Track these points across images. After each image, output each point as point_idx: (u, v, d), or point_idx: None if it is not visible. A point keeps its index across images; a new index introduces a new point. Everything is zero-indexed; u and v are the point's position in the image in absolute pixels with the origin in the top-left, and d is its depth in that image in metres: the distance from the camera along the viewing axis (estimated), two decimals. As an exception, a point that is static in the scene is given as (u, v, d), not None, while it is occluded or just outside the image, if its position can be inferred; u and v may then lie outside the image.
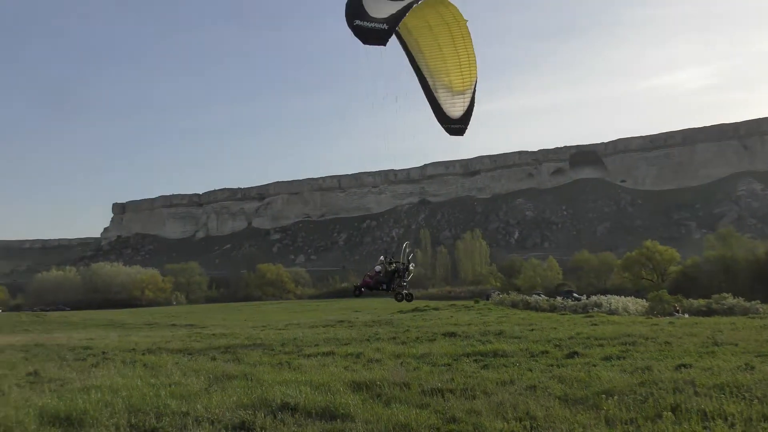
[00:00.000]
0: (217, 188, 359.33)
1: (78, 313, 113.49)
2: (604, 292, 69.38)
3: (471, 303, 66.41)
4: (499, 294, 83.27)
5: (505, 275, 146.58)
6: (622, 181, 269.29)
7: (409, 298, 22.29)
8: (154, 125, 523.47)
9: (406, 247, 21.11)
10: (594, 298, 55.18)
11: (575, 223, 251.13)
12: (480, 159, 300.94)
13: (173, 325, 58.29)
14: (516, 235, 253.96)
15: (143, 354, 20.88)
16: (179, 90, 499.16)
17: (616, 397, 10.77)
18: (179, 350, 22.28)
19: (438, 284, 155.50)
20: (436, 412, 10.26)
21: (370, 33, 9.46)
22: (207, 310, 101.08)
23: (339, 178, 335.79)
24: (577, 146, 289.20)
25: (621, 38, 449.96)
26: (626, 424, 9.39)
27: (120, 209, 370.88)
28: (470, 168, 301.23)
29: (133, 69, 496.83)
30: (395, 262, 20.09)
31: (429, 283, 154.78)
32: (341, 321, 43.32)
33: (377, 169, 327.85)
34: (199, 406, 10.30)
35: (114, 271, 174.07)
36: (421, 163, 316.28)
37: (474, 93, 12.50)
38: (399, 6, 9.89)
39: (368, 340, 25.40)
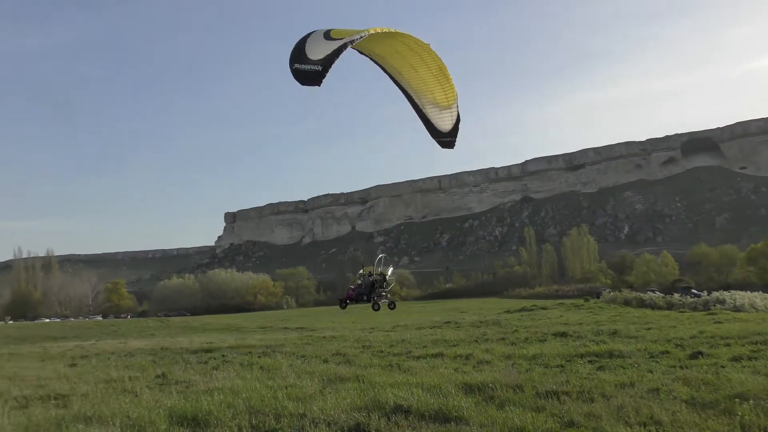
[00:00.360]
0: (321, 194, 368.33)
1: (197, 318, 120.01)
2: (727, 288, 64.89)
3: (580, 302, 64.21)
4: (610, 292, 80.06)
5: (616, 272, 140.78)
6: (742, 167, 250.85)
7: (391, 306, 22.27)
8: (259, 136, 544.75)
9: (380, 259, 21.52)
10: (716, 294, 51.90)
11: (691, 215, 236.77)
12: (584, 152, 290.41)
13: (285, 328, 60.31)
14: (626, 229, 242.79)
15: (259, 357, 21.67)
16: (282, 101, 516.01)
17: (751, 402, 9.99)
18: (292, 353, 22.96)
19: (544, 283, 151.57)
20: (552, 415, 9.94)
21: (306, 75, 9.95)
22: (316, 313, 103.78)
23: (439, 178, 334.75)
24: (689, 133, 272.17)
25: (740, 15, 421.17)
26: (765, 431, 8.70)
27: (231, 218, 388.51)
28: (574, 162, 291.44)
29: (240, 81, 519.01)
30: (373, 275, 20.18)
31: (535, 282, 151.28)
32: (448, 322, 43.16)
33: (477, 168, 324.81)
34: (315, 407, 10.53)
35: (228, 277, 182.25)
36: (522, 160, 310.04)
37: (458, 108, 12.83)
38: (335, 46, 10.22)
39: (476, 341, 25.14)
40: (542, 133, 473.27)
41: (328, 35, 10.46)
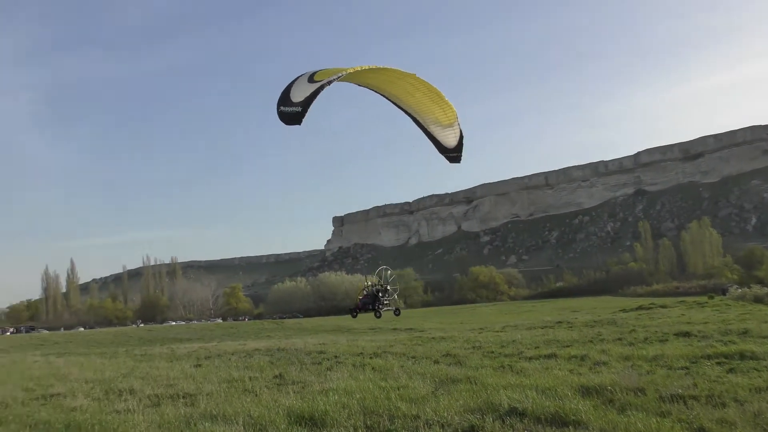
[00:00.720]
0: (425, 195, 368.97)
1: (310, 319, 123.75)
2: None
3: (704, 299, 60.37)
4: (737, 288, 74.73)
5: (744, 267, 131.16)
6: None
7: (396, 312, 23.41)
8: (364, 140, 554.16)
9: (381, 270, 22.61)
10: None
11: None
12: (702, 140, 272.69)
13: (395, 329, 60.93)
14: (753, 221, 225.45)
15: (371, 358, 21.99)
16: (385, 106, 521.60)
17: None
18: (403, 354, 23.12)
19: (662, 280, 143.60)
20: (679, 420, 9.39)
21: (288, 116, 10.81)
22: (424, 314, 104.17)
23: (546, 174, 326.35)
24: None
25: None
26: None
27: (339, 222, 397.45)
28: (691, 151, 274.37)
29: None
30: (376, 285, 21.59)
31: (652, 280, 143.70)
32: (559, 322, 41.89)
33: (586, 162, 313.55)
34: (428, 409, 10.54)
35: (338, 279, 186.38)
36: (634, 151, 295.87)
37: (459, 125, 13.47)
38: (313, 88, 11.01)
39: (591, 341, 24.23)
40: (654, 122, 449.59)
41: (311, 77, 11.32)
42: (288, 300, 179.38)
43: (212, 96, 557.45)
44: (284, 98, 10.95)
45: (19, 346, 64.23)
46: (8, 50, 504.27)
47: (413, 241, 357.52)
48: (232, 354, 27.93)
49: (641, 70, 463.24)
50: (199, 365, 22.62)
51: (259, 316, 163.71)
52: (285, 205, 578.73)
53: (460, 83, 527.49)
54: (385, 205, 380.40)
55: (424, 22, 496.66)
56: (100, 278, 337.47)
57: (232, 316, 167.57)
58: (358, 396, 12.20)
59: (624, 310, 55.18)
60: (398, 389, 13.06)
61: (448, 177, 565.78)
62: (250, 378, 16.94)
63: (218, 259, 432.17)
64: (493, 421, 9.42)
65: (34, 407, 13.32)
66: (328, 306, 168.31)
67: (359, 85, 13.04)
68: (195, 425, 10.26)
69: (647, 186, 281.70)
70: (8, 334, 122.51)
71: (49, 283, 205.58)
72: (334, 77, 11.20)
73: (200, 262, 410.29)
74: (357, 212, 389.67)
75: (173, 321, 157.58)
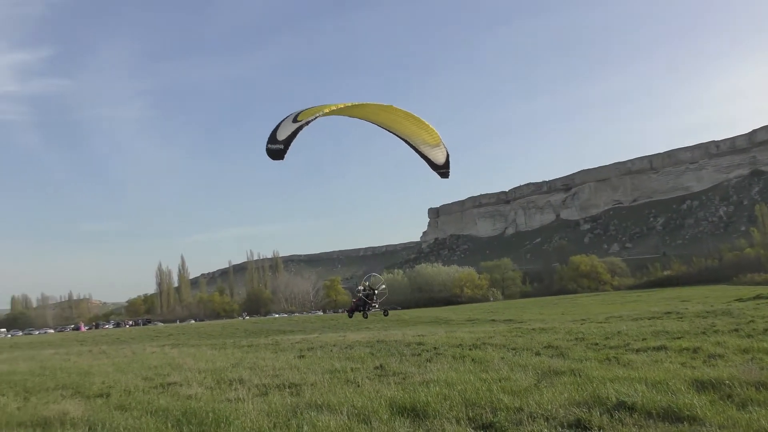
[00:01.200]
0: (522, 183, 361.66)
1: (407, 311, 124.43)
2: None
3: (832, 286, 55.73)
4: None
5: None
6: None
7: (385, 313, 24.34)
8: (458, 130, 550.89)
9: (370, 276, 24.03)
10: None
11: None
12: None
13: (493, 320, 60.24)
14: None
15: (470, 349, 21.84)
16: (479, 88, 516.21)
17: None
18: (503, 345, 22.80)
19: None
20: (810, 418, 8.69)
21: (272, 152, 12.21)
22: (523, 305, 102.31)
23: (650, 158, 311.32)
24: None
25: None
26: None
27: (435, 213, 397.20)
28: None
29: (448, 79, 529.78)
30: (366, 290, 23.04)
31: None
32: (668, 312, 39.88)
33: (694, 143, 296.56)
34: (531, 401, 10.34)
35: (435, 271, 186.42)
36: (749, 129, 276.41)
37: (444, 145, 14.65)
38: (294, 127, 12.32)
39: (704, 333, 22.90)
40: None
41: (295, 118, 12.62)
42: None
43: (312, 93, 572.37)
44: (271, 137, 12.33)
45: (138, 338, 68.75)
46: (122, 63, 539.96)
47: (510, 230, 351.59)
48: (334, 345, 28.56)
49: (759, 42, 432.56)
50: (303, 356, 23.30)
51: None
52: (381, 199, 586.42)
53: (561, 64, 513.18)
54: (481, 195, 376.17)
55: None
56: (208, 273, 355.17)
57: (332, 309, 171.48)
58: (459, 388, 12.14)
59: (740, 300, 51.88)
60: (499, 381, 12.89)
61: (545, 165, 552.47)
62: (351, 369, 17.26)
63: (318, 252, 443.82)
64: (601, 415, 9.10)
65: (153, 395, 14.19)
66: (425, 297, 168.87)
67: (350, 117, 14.14)
68: (301, 414, 10.57)
69: (764, 166, 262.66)
70: (128, 326, 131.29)
71: (162, 278, 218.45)
72: (312, 118, 12.49)
73: (300, 256, 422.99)
74: (452, 203, 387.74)
75: (276, 313, 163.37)
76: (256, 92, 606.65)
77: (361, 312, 22.74)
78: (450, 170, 15.06)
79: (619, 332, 25.57)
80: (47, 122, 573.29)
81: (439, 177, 15.09)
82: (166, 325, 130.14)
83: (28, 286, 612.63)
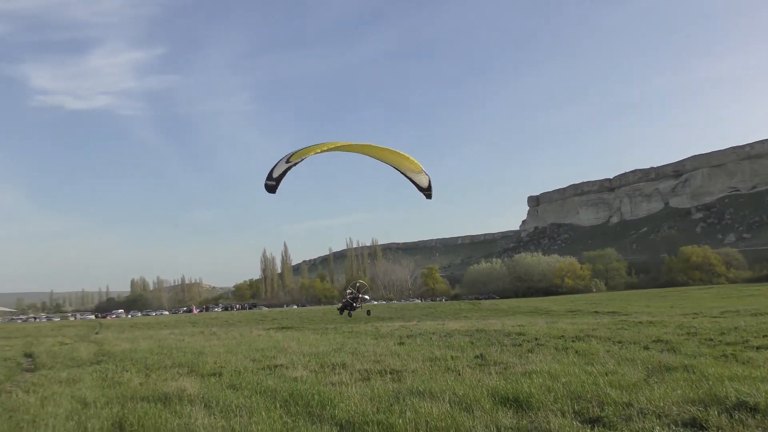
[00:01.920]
0: (628, 170, 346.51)
1: (505, 301, 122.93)
2: None
3: None
4: None
5: None
6: None
7: (368, 313, 30.55)
8: (558, 115, 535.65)
9: (355, 282, 27.97)
10: None
11: None
12: None
13: (596, 312, 58.34)
14: None
15: (573, 341, 21.27)
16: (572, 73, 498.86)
17: None
18: (607, 338, 22.05)
19: None
20: None
21: (267, 187, 14.90)
22: (628, 297, 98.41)
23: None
24: None
25: None
26: None
27: (534, 202, 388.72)
28: None
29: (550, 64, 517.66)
30: (353, 293, 26.25)
31: None
32: (793, 308, 37.12)
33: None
34: (641, 397, 9.94)
35: (534, 260, 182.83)
36: None
37: (425, 172, 17.27)
38: (284, 167, 14.86)
39: (836, 330, 21.14)
40: None
41: (288, 158, 15.03)
42: (484, 281, 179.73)
43: (410, 82, 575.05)
44: (269, 173, 15.00)
45: (245, 321, 71.94)
46: (227, 58, 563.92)
47: (614, 219, 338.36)
48: (433, 333, 28.65)
49: None
50: (402, 343, 23.52)
51: (455, 297, 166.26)
52: (479, 187, 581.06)
53: (678, 41, 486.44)
54: (583, 183, 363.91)
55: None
56: (310, 260, 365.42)
57: (429, 297, 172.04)
58: (563, 380, 11.86)
59: None
60: (606, 375, 12.48)
61: (652, 150, 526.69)
62: (451, 357, 17.24)
63: (415, 241, 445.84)
64: (719, 415, 8.60)
65: (261, 376, 14.81)
66: (524, 287, 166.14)
67: (342, 152, 16.70)
68: (403, 400, 10.70)
69: None
70: (235, 310, 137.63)
71: (266, 264, 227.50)
72: (299, 159, 14.98)
73: (398, 244, 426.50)
74: (553, 191, 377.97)
75: (375, 300, 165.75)
76: (357, 83, 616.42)
77: (347, 311, 26.72)
78: (432, 192, 17.83)
79: (736, 328, 24.07)
80: (161, 117, 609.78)
81: (425, 198, 18.02)
82: (270, 309, 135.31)
83: (145, 270, 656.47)
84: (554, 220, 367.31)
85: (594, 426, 8.42)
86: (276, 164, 14.88)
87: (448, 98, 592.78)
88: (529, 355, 17.14)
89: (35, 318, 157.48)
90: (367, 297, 29.25)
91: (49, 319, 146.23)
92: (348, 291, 26.58)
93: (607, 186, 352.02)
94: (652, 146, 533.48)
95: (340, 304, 26.90)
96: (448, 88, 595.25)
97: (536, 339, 22.64)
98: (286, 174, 14.90)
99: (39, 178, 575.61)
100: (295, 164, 14.80)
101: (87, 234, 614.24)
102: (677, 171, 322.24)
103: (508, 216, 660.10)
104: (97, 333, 52.68)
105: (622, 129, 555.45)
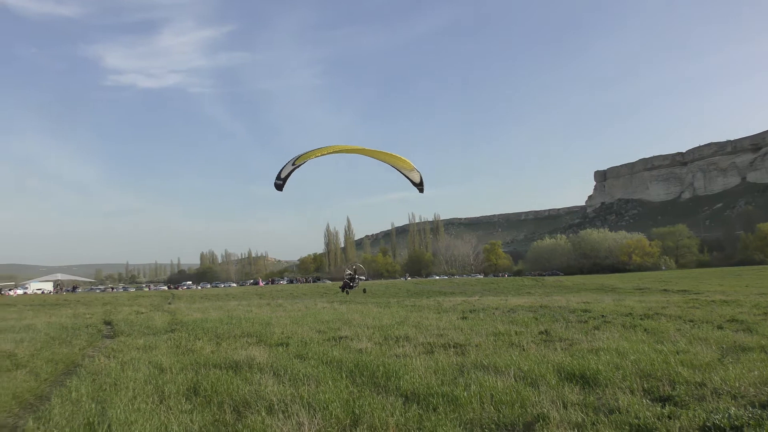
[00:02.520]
0: (702, 143, 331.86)
1: (570, 277, 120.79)
2: None
3: None
4: None
5: None
6: None
7: (364, 291, 36.56)
8: (628, 87, 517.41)
9: (353, 264, 31.97)
10: None
11: None
12: None
13: (665, 290, 56.67)
14: None
15: (641, 319, 20.77)
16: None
17: None
18: (678, 316, 21.43)
19: None
20: None
21: (276, 186, 17.14)
22: (700, 275, 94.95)
23: None
24: None
25: None
26: None
27: (601, 176, 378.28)
28: None
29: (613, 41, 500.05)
30: (351, 273, 28.58)
31: None
32: None
33: None
34: (715, 377, 9.65)
35: (601, 237, 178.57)
36: None
37: (417, 170, 19.18)
38: (290, 169, 17.06)
39: None
40: None
41: (294, 161, 17.17)
42: (548, 257, 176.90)
43: (472, 56, 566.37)
44: (278, 173, 17.27)
45: (309, 294, 73.40)
46: (294, 34, 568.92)
47: (686, 195, 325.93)
48: (495, 309, 28.54)
49: None
50: (465, 318, 23.52)
51: (518, 273, 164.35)
52: (544, 161, 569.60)
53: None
54: (654, 157, 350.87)
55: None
56: (372, 234, 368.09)
57: (491, 272, 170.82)
58: (632, 357, 11.63)
59: None
60: (677, 353, 12.16)
61: (729, 122, 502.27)
62: (516, 332, 17.13)
63: (478, 216, 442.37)
64: (800, 398, 8.27)
65: (327, 347, 15.12)
66: (589, 264, 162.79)
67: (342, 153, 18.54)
68: (468, 373, 10.74)
69: None
70: (300, 283, 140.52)
71: (330, 238, 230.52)
72: (302, 162, 17.14)
73: (461, 219, 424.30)
74: (621, 165, 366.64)
75: (437, 275, 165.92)
76: (421, 58, 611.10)
77: (347, 289, 29.16)
78: (424, 186, 19.85)
79: (820, 309, 22.96)
80: (230, 94, 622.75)
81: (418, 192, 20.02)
82: (333, 282, 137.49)
83: (214, 244, 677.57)
84: (622, 195, 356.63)
85: (665, 404, 8.24)
86: (284, 166, 17.32)
87: (512, 71, 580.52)
88: (596, 332, 16.85)
89: (113, 288, 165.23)
90: (363, 278, 33.81)
91: (125, 289, 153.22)
92: (347, 273, 29.28)
93: (680, 160, 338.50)
94: (728, 119, 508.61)
95: (342, 283, 29.10)
96: (513, 61, 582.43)
97: (602, 316, 22.23)
98: (292, 174, 17.37)
99: (114, 156, 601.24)
100: (299, 166, 17.25)
101: (159, 209, 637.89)
102: (756, 144, 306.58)
103: (574, 191, 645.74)
104: (169, 303, 54.92)
105: (697, 101, 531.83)
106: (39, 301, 64.31)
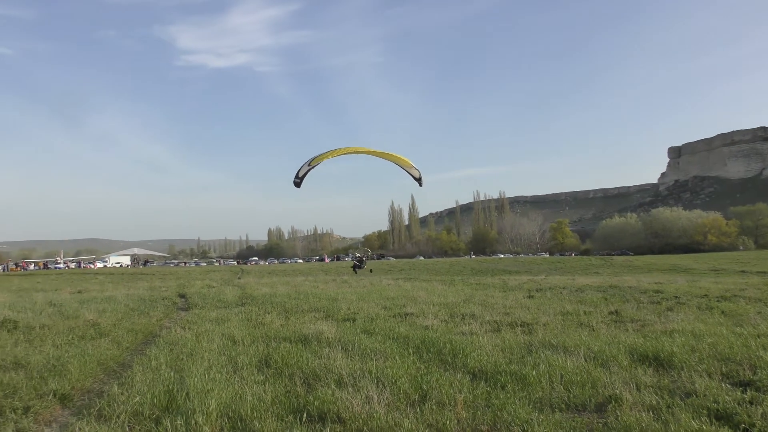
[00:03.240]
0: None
1: (640, 257, 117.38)
2: None
3: None
4: None
5: None
6: None
7: (371, 271, 38.80)
8: (705, 57, 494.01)
9: (361, 248, 38.25)
10: None
11: None
12: None
13: (743, 271, 54.39)
14: None
15: (718, 301, 20.02)
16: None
17: None
18: (757, 299, 20.53)
19: None
20: None
21: (295, 183, 20.27)
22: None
23: None
24: None
25: None
26: None
27: (676, 153, 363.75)
28: None
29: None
30: (360, 256, 30.48)
31: None
32: None
33: None
34: (800, 362, 9.22)
35: (674, 216, 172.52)
36: None
37: (416, 167, 22.60)
38: (306, 169, 20.31)
39: None
40: None
41: (310, 162, 20.13)
42: (617, 236, 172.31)
43: (538, 33, 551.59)
44: (297, 172, 20.24)
45: (375, 271, 73.93)
46: (358, 11, 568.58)
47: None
48: (563, 288, 28.04)
49: None
50: (531, 296, 23.23)
51: (585, 252, 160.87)
52: (615, 138, 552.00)
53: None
54: (734, 132, 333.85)
55: None
56: (436, 212, 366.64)
57: (558, 251, 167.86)
58: (709, 340, 11.22)
59: None
60: (758, 337, 11.66)
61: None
62: (585, 312, 16.81)
63: (544, 194, 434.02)
64: None
65: (393, 323, 15.23)
66: (660, 244, 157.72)
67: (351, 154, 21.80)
68: (536, 352, 10.62)
69: None
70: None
71: (394, 216, 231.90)
72: (316, 164, 19.99)
73: (526, 197, 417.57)
74: (697, 141, 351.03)
75: (501, 254, 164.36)
76: (487, 33, 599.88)
77: (357, 270, 32.37)
78: (422, 181, 23.26)
79: None
80: (295, 72, 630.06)
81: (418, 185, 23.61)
82: (397, 260, 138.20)
83: (281, 220, 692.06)
84: (697, 172, 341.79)
85: (746, 389, 7.93)
86: (301, 166, 20.34)
87: (584, 45, 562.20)
88: (669, 313, 16.34)
89: (185, 263, 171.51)
90: (367, 256, 39.39)
91: (197, 263, 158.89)
92: (357, 254, 31.57)
93: (762, 135, 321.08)
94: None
95: (353, 263, 32.31)
96: (585, 35, 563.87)
97: (676, 297, 21.52)
98: (307, 174, 20.63)
99: (186, 134, 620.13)
100: (314, 167, 20.25)
101: (229, 186, 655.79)
102: None
103: (645, 168, 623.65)
104: (239, 278, 56.54)
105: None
106: (118, 274, 67.44)
